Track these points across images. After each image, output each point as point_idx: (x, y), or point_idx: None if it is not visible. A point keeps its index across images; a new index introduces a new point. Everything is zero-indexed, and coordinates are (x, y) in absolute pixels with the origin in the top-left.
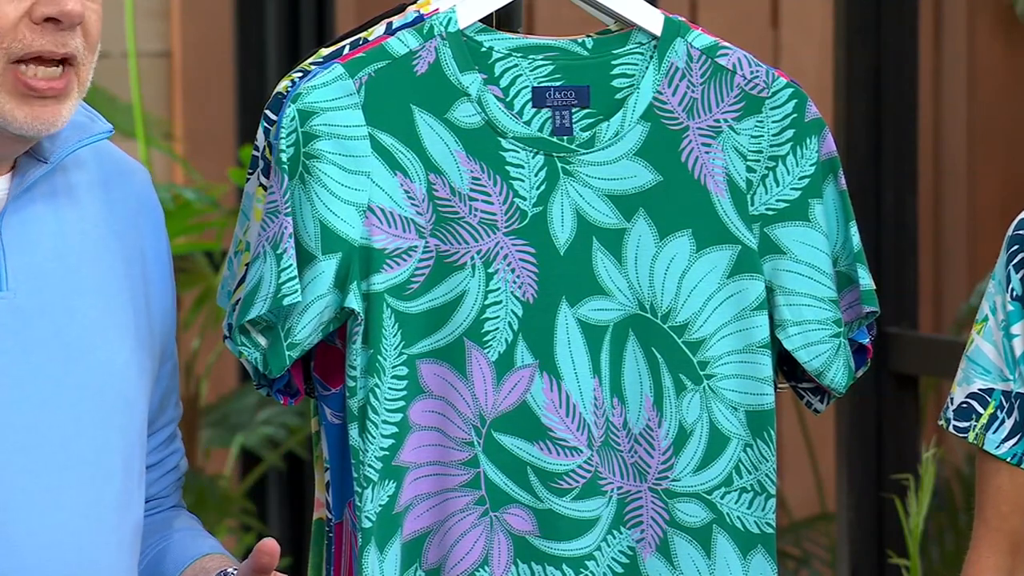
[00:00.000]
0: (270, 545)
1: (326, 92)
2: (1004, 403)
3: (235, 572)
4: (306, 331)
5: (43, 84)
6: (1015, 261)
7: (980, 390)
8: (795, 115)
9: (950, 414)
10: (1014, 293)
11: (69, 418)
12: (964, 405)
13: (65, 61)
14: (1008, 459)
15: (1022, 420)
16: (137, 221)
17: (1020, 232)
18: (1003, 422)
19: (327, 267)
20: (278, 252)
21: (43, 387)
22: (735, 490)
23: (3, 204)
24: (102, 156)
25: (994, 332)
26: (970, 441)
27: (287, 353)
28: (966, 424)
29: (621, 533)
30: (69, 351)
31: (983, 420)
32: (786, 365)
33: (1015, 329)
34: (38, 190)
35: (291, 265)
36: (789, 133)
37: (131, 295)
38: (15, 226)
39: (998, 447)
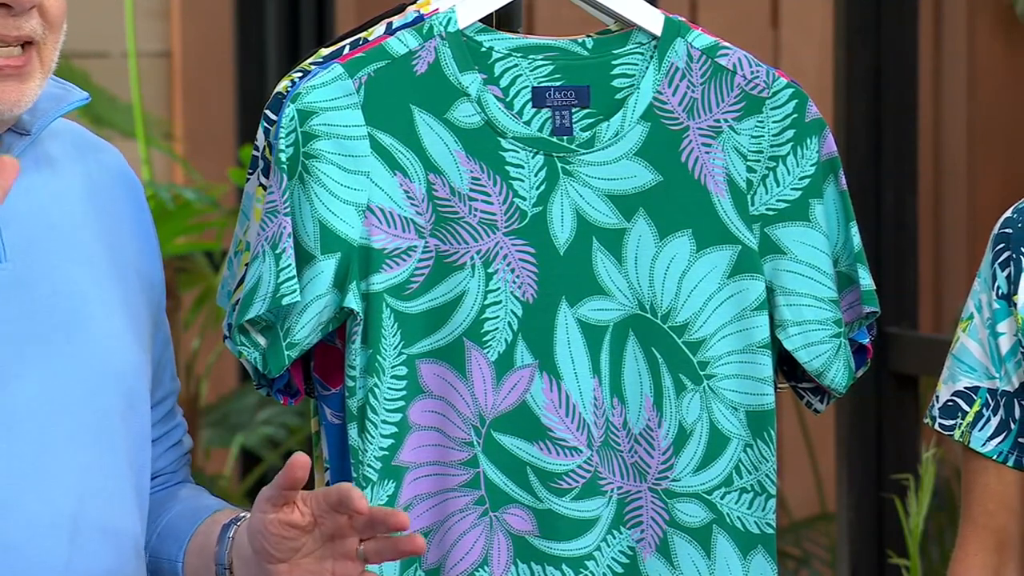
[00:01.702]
0: (303, 459)
1: (325, 92)
2: (990, 401)
3: (246, 517)
4: (305, 331)
5: (1, 62)
6: (1000, 259)
7: (966, 388)
8: (795, 115)
9: (936, 412)
10: (1000, 291)
11: (73, 386)
12: (950, 403)
13: (26, 44)
14: (994, 457)
15: (1008, 418)
16: (114, 193)
17: (1006, 231)
18: (989, 420)
19: (326, 267)
20: (277, 252)
21: (46, 356)
22: (735, 490)
23: None
24: (74, 131)
25: (980, 330)
26: (956, 439)
27: (286, 353)
28: (952, 422)
29: (621, 533)
30: (68, 320)
31: (969, 418)
32: (786, 365)
33: (1001, 327)
34: (23, 162)
35: (290, 265)
36: (789, 133)
37: (117, 265)
38: (8, 198)
39: (984, 445)
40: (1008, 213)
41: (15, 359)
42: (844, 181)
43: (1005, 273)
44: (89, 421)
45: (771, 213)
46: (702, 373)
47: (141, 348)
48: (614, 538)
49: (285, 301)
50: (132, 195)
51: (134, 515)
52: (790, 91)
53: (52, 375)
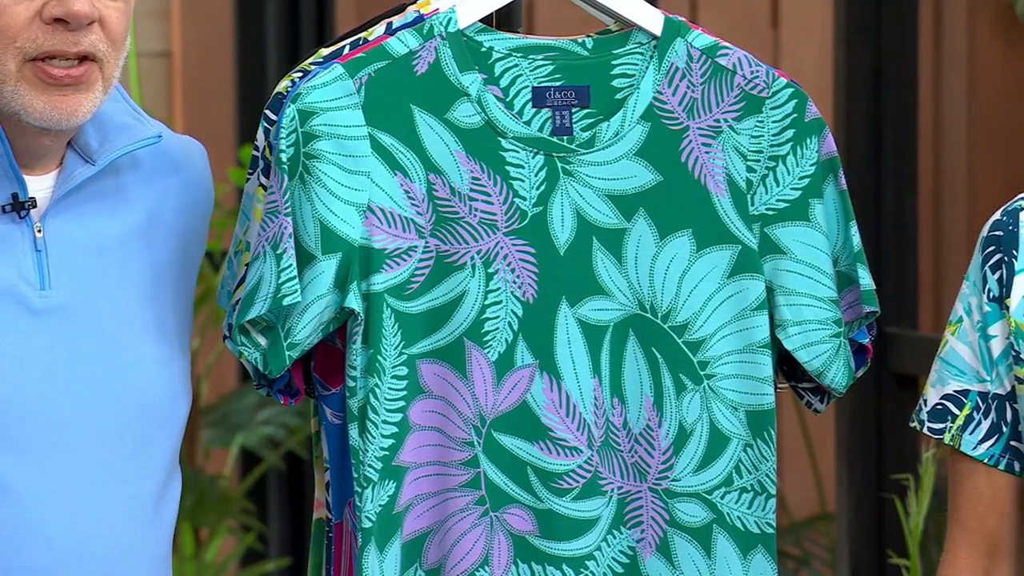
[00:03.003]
0: None
1: (326, 92)
2: (980, 404)
3: None
4: (306, 331)
5: (60, 72)
6: (991, 262)
7: (955, 391)
8: (795, 115)
9: (924, 415)
10: (991, 294)
11: (111, 415)
12: (939, 406)
13: (85, 58)
14: (986, 460)
15: (999, 421)
16: (192, 209)
17: (996, 233)
18: (980, 423)
19: (327, 267)
20: (278, 252)
21: (84, 385)
22: (735, 490)
23: (47, 203)
24: (156, 153)
25: (969, 333)
26: (946, 442)
27: (287, 353)
28: (941, 425)
29: (621, 533)
30: (111, 348)
31: (959, 421)
32: (786, 365)
33: (992, 330)
34: (86, 191)
35: (291, 265)
36: (789, 133)
37: (173, 288)
38: (58, 226)
39: (975, 448)
40: (997, 215)
41: (50, 386)
42: (844, 181)
43: (996, 276)
44: (127, 449)
45: (771, 213)
46: (702, 373)
47: (185, 373)
48: (614, 538)
49: (286, 301)
50: (200, 208)
51: (161, 545)
52: (790, 91)
53: (87, 403)
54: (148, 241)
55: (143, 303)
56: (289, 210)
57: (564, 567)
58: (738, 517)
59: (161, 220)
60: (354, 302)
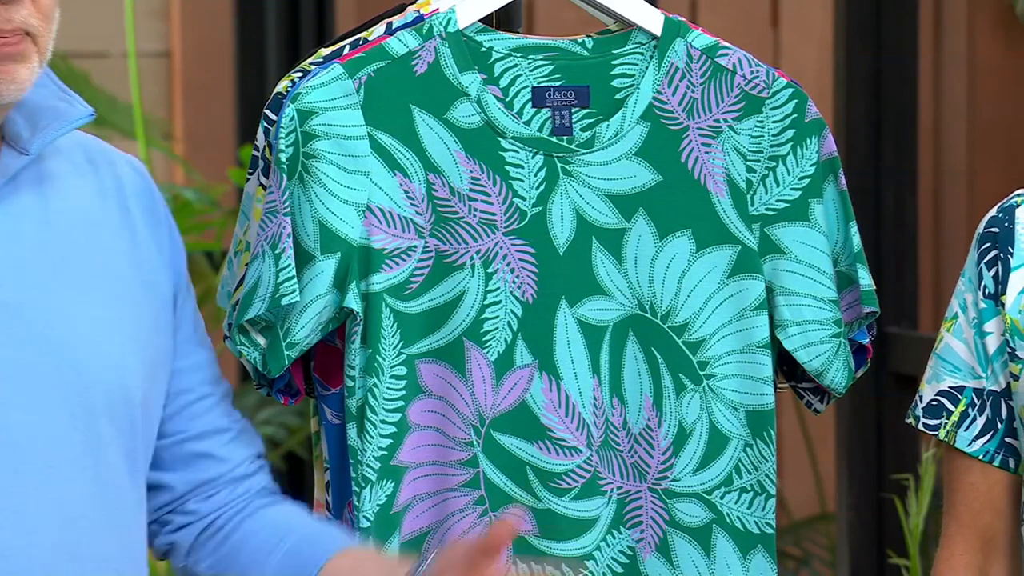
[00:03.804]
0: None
1: (325, 92)
2: (976, 400)
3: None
4: (304, 331)
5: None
6: (987, 259)
7: (950, 388)
8: (795, 115)
9: (919, 412)
10: (986, 291)
11: (59, 414)
12: (934, 403)
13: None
14: (980, 456)
15: (994, 417)
16: (127, 204)
17: (992, 230)
18: (975, 419)
19: (326, 267)
20: (276, 252)
21: (30, 383)
22: (735, 490)
23: None
24: (87, 144)
25: (965, 330)
26: (941, 438)
27: (286, 353)
28: (936, 421)
29: (621, 533)
30: (57, 346)
31: (954, 417)
32: (786, 365)
33: (988, 327)
34: (22, 180)
35: (289, 265)
36: (789, 133)
37: (123, 282)
38: None
39: (970, 444)
40: (993, 212)
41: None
42: (844, 181)
43: (992, 272)
44: (76, 449)
45: (771, 213)
46: (702, 373)
47: (147, 368)
48: (614, 538)
49: (284, 301)
50: (147, 204)
51: (125, 546)
52: (790, 91)
53: (39, 402)
54: (95, 230)
55: (92, 299)
56: (288, 210)
57: (564, 567)
58: (738, 517)
59: (89, 212)
60: (353, 302)
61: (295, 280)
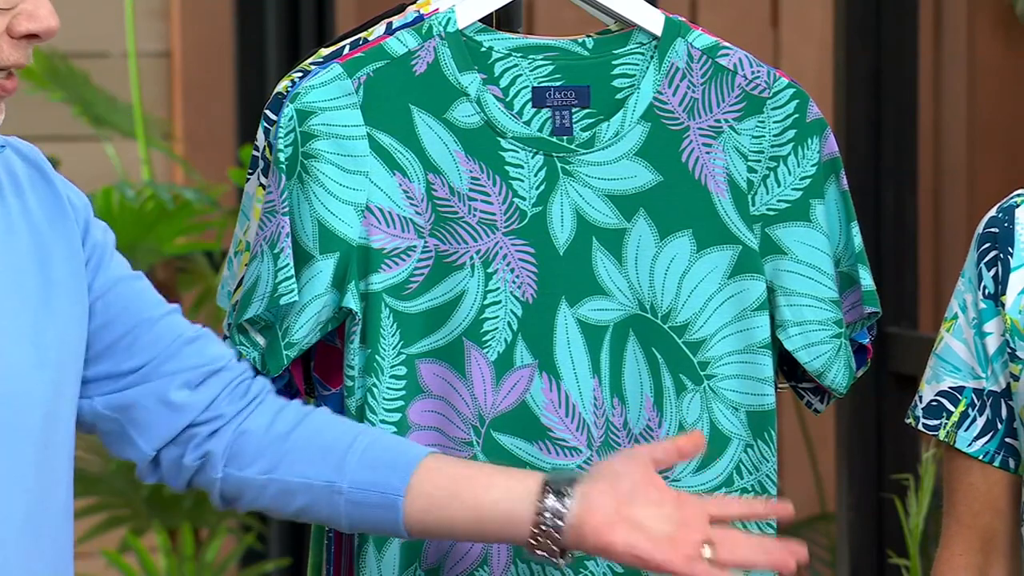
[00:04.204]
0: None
1: (324, 92)
2: (976, 401)
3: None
4: (303, 331)
5: (11, 85)
6: (987, 259)
7: (950, 388)
8: (796, 115)
9: (919, 412)
10: (986, 291)
11: None
12: (934, 403)
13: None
14: (980, 457)
15: (994, 418)
16: (26, 195)
17: (991, 230)
18: (975, 420)
19: (325, 267)
20: (275, 252)
21: None
22: (736, 490)
23: None
24: (15, 158)
25: (965, 330)
26: (940, 439)
27: (284, 353)
28: (936, 422)
29: None
30: None
31: (954, 418)
32: (786, 365)
33: (988, 327)
34: None
35: (288, 265)
36: (790, 133)
37: (27, 288)
38: None
39: (970, 445)
40: (992, 212)
41: None
42: (845, 181)
43: (991, 273)
44: None
45: (772, 213)
46: (702, 373)
47: (51, 373)
48: None
49: (283, 301)
50: (66, 225)
51: (47, 558)
52: (791, 91)
53: None
54: (6, 246)
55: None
56: (287, 209)
57: (564, 567)
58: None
59: (24, 225)
60: (352, 302)
61: (294, 280)
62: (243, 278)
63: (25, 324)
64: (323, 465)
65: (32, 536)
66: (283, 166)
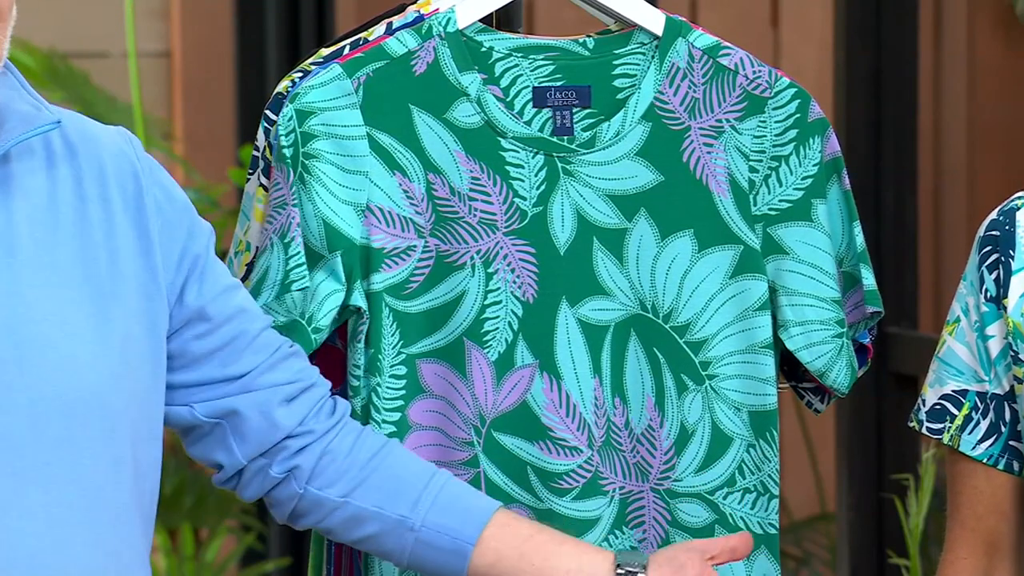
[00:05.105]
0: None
1: (324, 92)
2: (979, 404)
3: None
4: (327, 319)
5: None
6: (988, 262)
7: (953, 391)
8: (798, 115)
9: (923, 415)
10: (988, 294)
11: (25, 420)
12: (937, 406)
13: None
14: (984, 460)
15: (998, 421)
16: (106, 193)
17: (992, 233)
18: (978, 423)
19: (335, 264)
20: (285, 241)
21: None
22: (738, 490)
23: None
24: (64, 133)
25: (967, 333)
26: (945, 442)
27: (312, 337)
28: (940, 425)
29: (624, 533)
30: (23, 350)
31: (958, 421)
32: (787, 365)
33: (990, 330)
34: None
35: (299, 252)
36: (792, 133)
37: (93, 283)
38: None
39: (974, 448)
40: (993, 215)
41: None
42: (847, 181)
43: (993, 276)
44: (36, 455)
45: (773, 213)
46: (704, 373)
47: (122, 366)
48: (617, 538)
49: (295, 287)
50: (129, 188)
51: (101, 552)
52: (793, 91)
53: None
54: (53, 233)
55: (61, 301)
56: (297, 201)
57: None
58: (741, 518)
59: (60, 210)
60: (360, 300)
61: (305, 267)
62: (244, 278)
63: (87, 315)
64: (399, 499)
65: (88, 526)
66: (288, 162)
